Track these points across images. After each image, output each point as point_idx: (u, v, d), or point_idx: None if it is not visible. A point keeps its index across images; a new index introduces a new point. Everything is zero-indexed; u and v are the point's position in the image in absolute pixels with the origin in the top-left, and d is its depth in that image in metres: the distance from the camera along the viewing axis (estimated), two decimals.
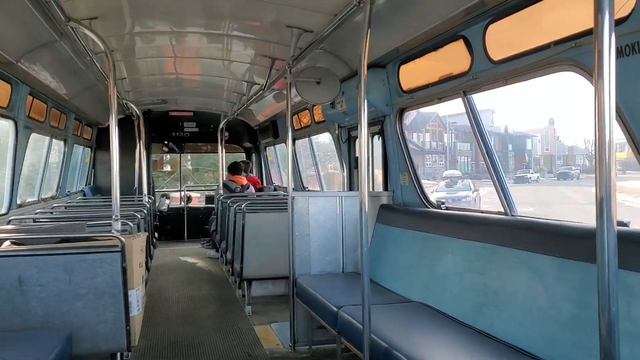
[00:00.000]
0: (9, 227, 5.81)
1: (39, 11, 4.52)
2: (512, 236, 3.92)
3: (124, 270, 4.24)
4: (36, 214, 7.08)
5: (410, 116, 6.01)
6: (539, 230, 3.73)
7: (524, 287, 3.62)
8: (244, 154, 15.64)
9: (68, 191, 10.37)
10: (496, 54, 4.13)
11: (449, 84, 4.78)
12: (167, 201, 14.36)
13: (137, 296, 4.53)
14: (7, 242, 4.58)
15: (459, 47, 4.57)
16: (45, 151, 8.54)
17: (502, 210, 4.38)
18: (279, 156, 13.60)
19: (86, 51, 5.80)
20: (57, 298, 4.17)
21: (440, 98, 5.07)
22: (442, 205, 5.29)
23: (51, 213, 7.35)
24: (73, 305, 4.19)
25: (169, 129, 14.28)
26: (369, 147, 6.60)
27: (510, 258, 3.84)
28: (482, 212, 4.70)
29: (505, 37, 4.06)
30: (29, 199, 8.04)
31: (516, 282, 3.72)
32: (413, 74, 5.44)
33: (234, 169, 11.93)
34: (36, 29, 5.01)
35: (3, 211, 6.40)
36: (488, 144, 4.55)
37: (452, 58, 4.74)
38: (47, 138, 8.47)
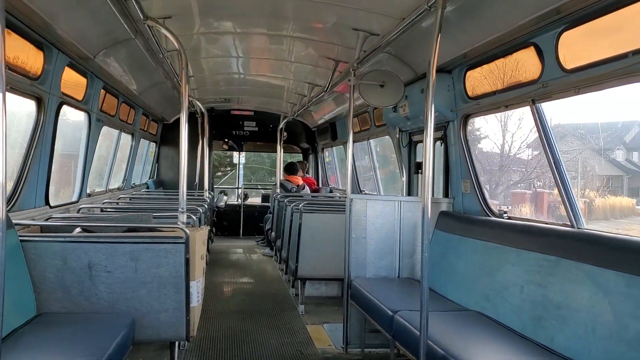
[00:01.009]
0: (79, 215, 6.10)
1: (118, 9, 4.71)
2: (577, 249, 3.81)
3: (187, 262, 4.38)
4: (103, 203, 7.40)
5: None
6: (606, 244, 3.60)
7: (588, 302, 3.51)
8: (301, 154, 15.79)
9: (133, 183, 10.77)
10: (569, 63, 4.01)
11: (517, 92, 4.67)
12: (225, 197, 14.68)
13: (197, 287, 4.67)
14: (78, 229, 4.82)
15: (529, 54, 4.47)
16: (114, 144, 8.91)
17: (568, 222, 4.26)
18: (336, 158, 13.64)
19: (159, 49, 6.01)
20: (122, 284, 4.35)
21: (507, 106, 4.97)
22: (504, 215, 5.18)
23: (117, 203, 7.66)
24: (137, 292, 4.36)
25: (229, 127, 14.59)
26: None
27: (574, 271, 3.73)
28: (546, 223, 4.58)
29: (580, 45, 3.94)
30: (97, 189, 8.40)
31: (580, 296, 3.60)
32: (479, 80, 5.36)
33: (290, 169, 12.08)
34: (114, 26, 5.23)
35: (74, 199, 6.71)
36: (556, 153, 4.43)
37: (522, 65, 4.64)
38: (116, 131, 8.84)
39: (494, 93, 5.07)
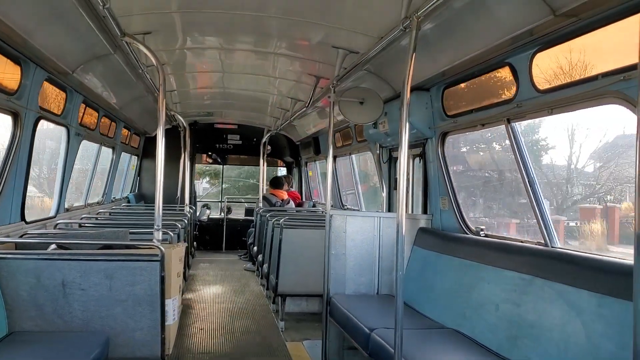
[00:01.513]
0: (56, 231, 6.04)
1: (96, 25, 4.70)
2: (550, 268, 3.84)
3: (162, 280, 4.35)
4: (82, 219, 7.33)
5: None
6: (579, 263, 3.63)
7: (560, 321, 3.54)
8: (285, 168, 15.80)
9: (113, 197, 10.68)
10: (542, 83, 4.09)
11: (493, 110, 4.74)
12: (208, 211, 14.60)
13: (173, 306, 4.63)
14: (53, 246, 4.77)
15: (504, 74, 4.54)
16: (94, 158, 8.83)
17: (542, 240, 4.31)
18: (319, 172, 13.66)
19: (138, 64, 6.00)
20: (97, 302, 4.31)
21: (484, 124, 5.03)
22: (481, 232, 5.21)
23: (96, 219, 7.59)
24: (112, 310, 4.31)
25: (213, 140, 14.57)
26: (409, 169, 6.58)
27: (547, 290, 3.76)
28: (522, 242, 4.62)
29: (552, 66, 4.01)
30: (76, 204, 8.31)
31: (553, 315, 3.63)
32: (457, 98, 5.42)
33: (276, 183, 12.07)
34: (92, 41, 5.21)
35: (51, 214, 6.64)
36: (530, 173, 4.48)
37: (498, 84, 4.71)
38: (97, 145, 8.77)
39: (471, 111, 5.13)
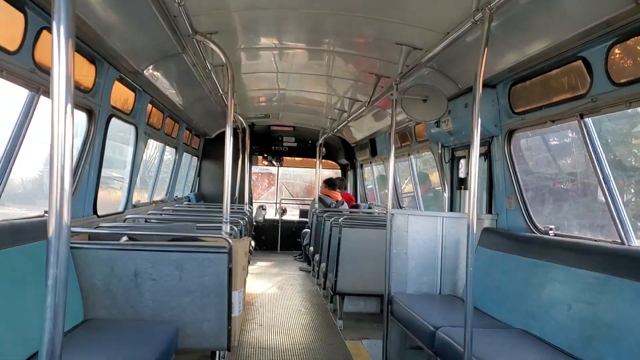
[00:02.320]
0: (126, 224, 6.25)
1: (167, 24, 4.85)
2: (628, 267, 3.68)
3: (230, 271, 4.42)
4: (148, 214, 7.55)
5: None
6: None
7: None
8: (340, 170, 15.81)
9: (176, 196, 10.97)
10: (619, 76, 3.93)
11: (564, 106, 4.59)
12: (264, 212, 14.78)
13: (239, 297, 4.70)
14: (125, 238, 4.93)
15: (576, 68, 4.39)
16: (159, 157, 9.11)
17: (618, 239, 4.14)
18: (375, 174, 13.61)
19: (206, 63, 6.14)
20: (167, 293, 4.42)
21: (554, 120, 4.88)
22: (550, 232, 5.06)
23: (161, 215, 7.81)
24: (181, 301, 4.42)
25: (269, 142, 14.75)
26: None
27: (625, 290, 3.60)
28: (595, 240, 4.45)
29: (630, 58, 3.86)
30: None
31: (632, 316, 3.47)
32: (525, 95, 5.29)
33: (329, 184, 12.15)
34: (162, 41, 5.37)
35: (120, 209, 6.88)
36: (605, 169, 4.31)
37: (569, 79, 4.56)
38: (161, 145, 9.04)
39: (540, 108, 4.99)
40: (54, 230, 1.76)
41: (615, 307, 3.64)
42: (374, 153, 12.32)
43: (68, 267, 1.77)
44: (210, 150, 13.52)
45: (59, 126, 1.74)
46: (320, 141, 13.26)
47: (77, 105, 5.07)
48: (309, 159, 14.99)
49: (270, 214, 15.53)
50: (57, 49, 1.72)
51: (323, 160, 14.48)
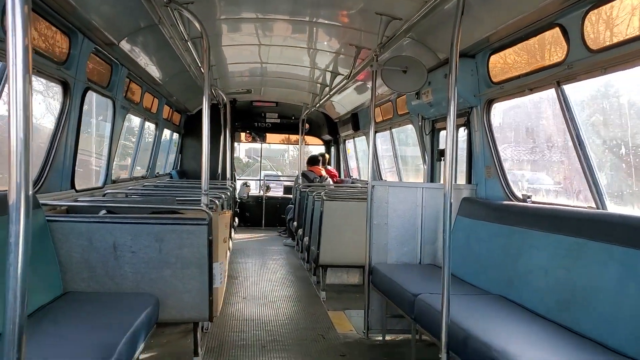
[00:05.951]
0: (105, 198, 6.20)
1: None
2: (603, 231, 3.74)
3: (210, 243, 4.42)
4: (128, 189, 7.50)
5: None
6: (633, 225, 3.52)
7: (615, 284, 3.44)
8: (323, 146, 15.80)
9: (157, 172, 10.89)
10: (595, 43, 3.95)
11: (541, 74, 4.60)
12: (248, 189, 14.76)
13: (220, 269, 4.71)
14: (103, 211, 4.90)
15: (554, 35, 4.40)
16: (138, 132, 9.01)
17: (593, 204, 4.21)
18: (357, 150, 13.62)
19: (183, 35, 6.05)
20: (147, 265, 4.41)
21: (532, 89, 4.90)
22: (528, 200, 5.11)
23: (141, 190, 7.76)
24: (162, 272, 4.42)
25: (251, 118, 14.66)
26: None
27: (601, 254, 3.66)
28: (571, 207, 4.51)
29: (606, 24, 3.88)
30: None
31: (607, 279, 3.53)
32: (503, 64, 5.30)
33: (312, 160, 12.21)
34: (138, 11, 5.27)
35: (99, 184, 6.82)
36: (581, 136, 4.35)
37: (546, 47, 4.57)
38: (139, 120, 8.94)
39: (518, 77, 5.01)
40: (14, 200, 1.68)
41: (589, 271, 3.70)
42: (356, 127, 12.31)
43: (29, 241, 1.70)
44: (192, 126, 13.41)
45: (16, 95, 1.65)
46: (302, 116, 13.20)
47: (51, 77, 4.98)
48: (293, 134, 14.96)
49: (255, 192, 15.52)
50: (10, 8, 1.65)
51: (306, 137, 14.45)
